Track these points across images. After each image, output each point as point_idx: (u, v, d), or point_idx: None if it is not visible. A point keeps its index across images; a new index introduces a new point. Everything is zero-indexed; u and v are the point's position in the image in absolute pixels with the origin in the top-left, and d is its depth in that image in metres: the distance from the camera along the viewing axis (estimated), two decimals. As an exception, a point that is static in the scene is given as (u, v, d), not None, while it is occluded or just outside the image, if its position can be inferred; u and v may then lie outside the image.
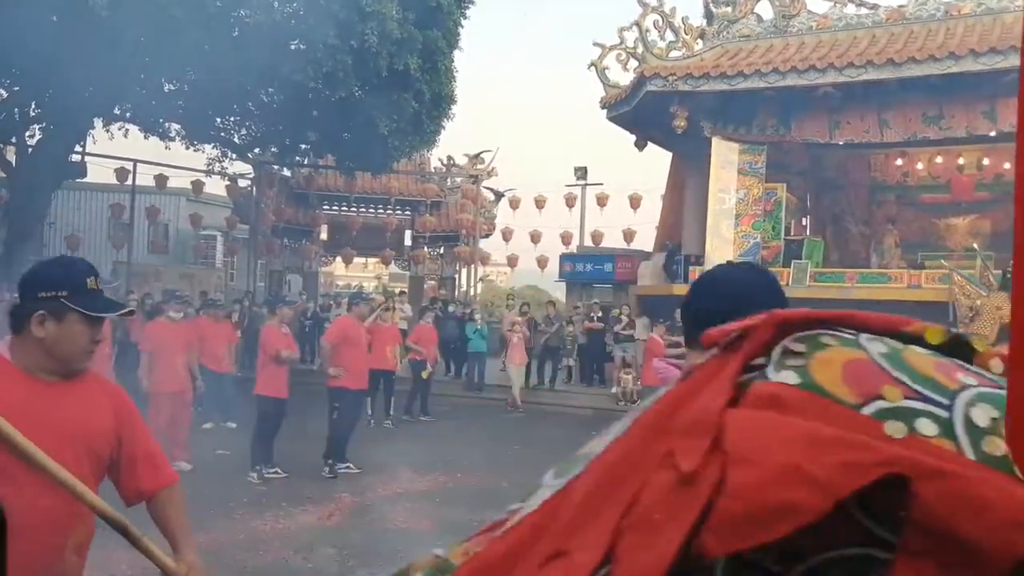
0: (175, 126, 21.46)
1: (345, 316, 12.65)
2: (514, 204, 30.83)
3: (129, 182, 26.19)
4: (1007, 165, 21.43)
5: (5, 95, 19.58)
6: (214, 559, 7.40)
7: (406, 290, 31.41)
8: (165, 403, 11.23)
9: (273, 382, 11.08)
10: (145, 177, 26.95)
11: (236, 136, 22.45)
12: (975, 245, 18.59)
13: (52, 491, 2.67)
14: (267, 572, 7.15)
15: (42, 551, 2.76)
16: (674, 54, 19.45)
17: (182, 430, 11.46)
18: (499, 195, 31.36)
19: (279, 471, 10.99)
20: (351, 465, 11.43)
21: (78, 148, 21.96)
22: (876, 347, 0.97)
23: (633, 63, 19.41)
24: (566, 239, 29.83)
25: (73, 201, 30.69)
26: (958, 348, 1.00)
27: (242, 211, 29.96)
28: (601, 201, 30.05)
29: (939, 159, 22.25)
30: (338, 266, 37.70)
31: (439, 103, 19.14)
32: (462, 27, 18.78)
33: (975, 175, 22.08)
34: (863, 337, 1.00)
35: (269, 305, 13.46)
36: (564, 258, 26.47)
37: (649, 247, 24.23)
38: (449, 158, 31.27)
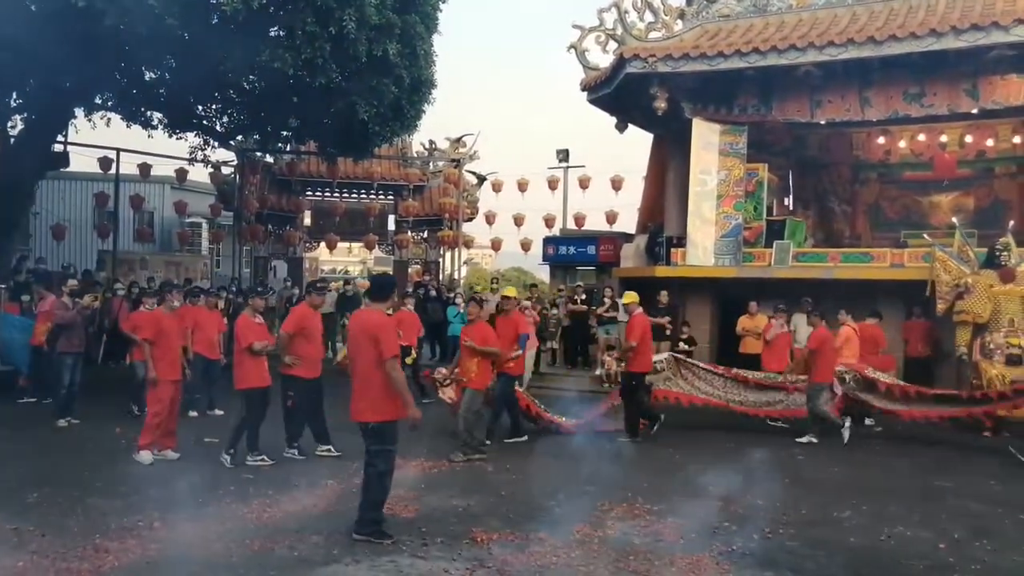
0: (157, 115, 21.40)
1: (302, 304, 12.48)
2: (497, 187, 30.88)
3: (113, 171, 26.16)
4: (989, 142, 21.57)
5: (-15, 86, 19.49)
6: (201, 548, 7.46)
7: (390, 273, 31.39)
8: (168, 391, 11.27)
9: (253, 373, 11.14)
10: (129, 166, 26.96)
11: (218, 124, 22.41)
12: (955, 220, 18.66)
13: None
14: (254, 561, 7.17)
15: None
16: (654, 35, 19.41)
17: (175, 419, 11.50)
18: (481, 179, 31.43)
19: (265, 459, 11.05)
20: (295, 453, 11.57)
21: (60, 138, 21.91)
22: None
23: (613, 45, 19.39)
24: (549, 222, 29.91)
25: (57, 191, 30.68)
26: None
27: (226, 198, 30.03)
28: (583, 183, 30.16)
29: (921, 137, 22.32)
30: (323, 251, 37.70)
31: (419, 88, 19.09)
32: (440, 11, 18.74)
33: (957, 152, 22.17)
34: None
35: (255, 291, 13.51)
36: (547, 241, 26.46)
37: (631, 229, 24.25)
38: (431, 142, 31.31)
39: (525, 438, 13.06)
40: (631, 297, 14.36)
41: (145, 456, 10.98)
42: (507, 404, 13.18)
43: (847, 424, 13.54)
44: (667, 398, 14.57)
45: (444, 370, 13.28)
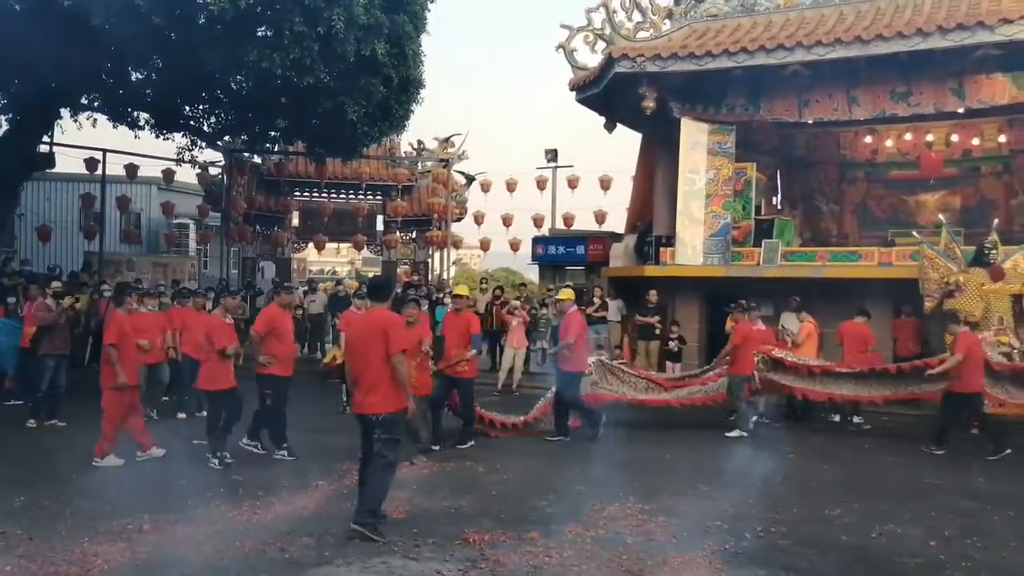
0: (144, 115, 21.30)
1: (272, 305, 12.48)
2: (485, 187, 30.82)
3: (99, 172, 26.06)
4: (975, 141, 21.63)
5: (-31, 87, 19.38)
6: (191, 551, 7.42)
7: (380, 273, 31.32)
8: (128, 397, 11.16)
9: (218, 374, 11.21)
10: (115, 167, 26.85)
11: (206, 124, 22.32)
12: (941, 217, 18.71)
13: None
14: (244, 563, 7.14)
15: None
16: (642, 35, 19.41)
17: (140, 419, 11.42)
18: (470, 178, 31.38)
19: (226, 456, 11.00)
20: (284, 454, 11.53)
21: (46, 138, 21.80)
22: None
23: (601, 44, 19.37)
24: (538, 222, 29.84)
25: (43, 192, 30.59)
26: None
27: (213, 199, 29.90)
28: (572, 183, 30.14)
29: (908, 136, 22.37)
30: (311, 252, 37.62)
31: (407, 88, 19.04)
32: (429, 11, 18.67)
33: (944, 151, 22.23)
34: None
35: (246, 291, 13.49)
36: (536, 241, 26.46)
37: (620, 228, 24.26)
38: (419, 142, 31.24)
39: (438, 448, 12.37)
40: (567, 294, 14.39)
41: (113, 460, 10.91)
42: (469, 408, 12.96)
43: (752, 420, 14.20)
44: (597, 400, 14.17)
45: None
